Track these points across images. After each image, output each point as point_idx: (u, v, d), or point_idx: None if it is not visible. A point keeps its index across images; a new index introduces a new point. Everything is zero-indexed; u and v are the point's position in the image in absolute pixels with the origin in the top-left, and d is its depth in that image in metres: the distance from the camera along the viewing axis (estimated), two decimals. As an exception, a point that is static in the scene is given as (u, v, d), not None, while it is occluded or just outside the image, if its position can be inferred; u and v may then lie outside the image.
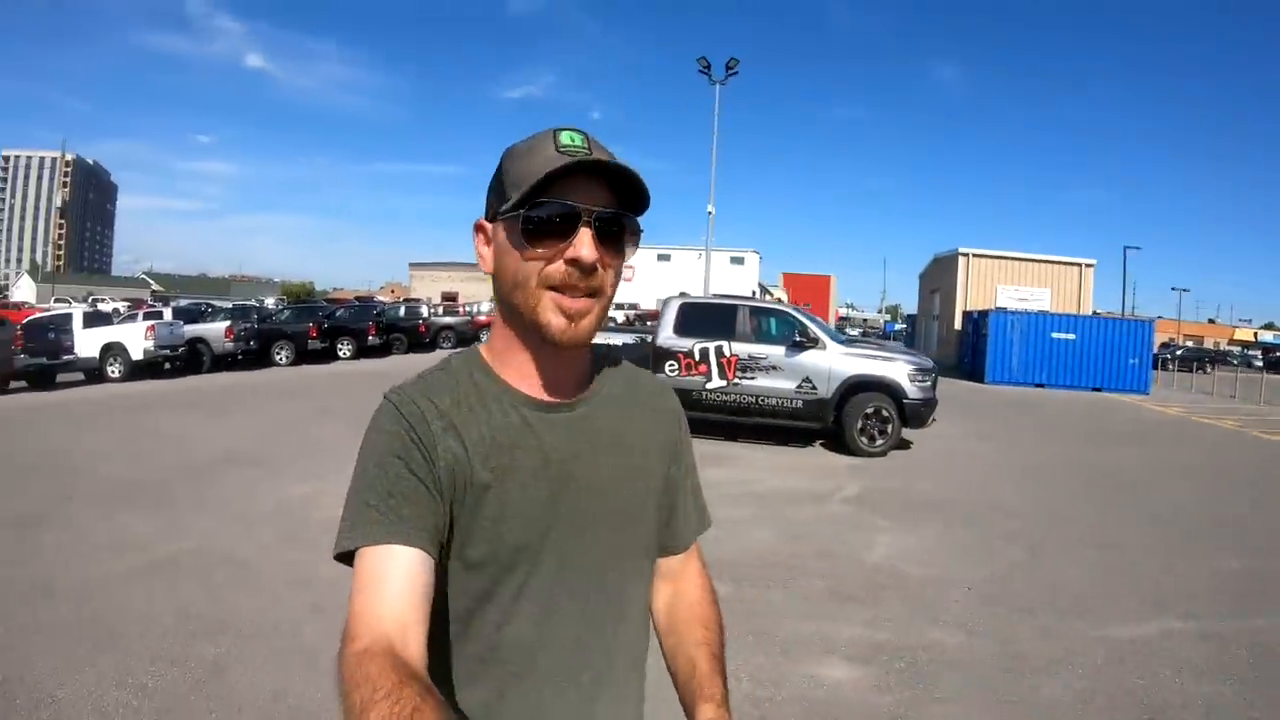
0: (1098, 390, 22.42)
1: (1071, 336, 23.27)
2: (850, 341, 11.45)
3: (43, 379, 16.82)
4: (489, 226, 1.02)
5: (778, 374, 10.20)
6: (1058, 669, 3.99)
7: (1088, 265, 31.18)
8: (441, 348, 27.65)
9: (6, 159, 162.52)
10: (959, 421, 13.64)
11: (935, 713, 3.42)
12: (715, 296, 12.31)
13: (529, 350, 1.02)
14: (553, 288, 0.96)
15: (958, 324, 30.00)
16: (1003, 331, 23.51)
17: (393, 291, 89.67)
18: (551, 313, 0.97)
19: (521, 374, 1.04)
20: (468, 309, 33.73)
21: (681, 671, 1.13)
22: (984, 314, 25.21)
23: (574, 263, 0.95)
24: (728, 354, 10.36)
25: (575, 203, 0.95)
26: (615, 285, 1.01)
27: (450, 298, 61.33)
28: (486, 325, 19.19)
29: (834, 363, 10.02)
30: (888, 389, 9.81)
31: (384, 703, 0.76)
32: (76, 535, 5.56)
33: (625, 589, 1.09)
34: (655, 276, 50.90)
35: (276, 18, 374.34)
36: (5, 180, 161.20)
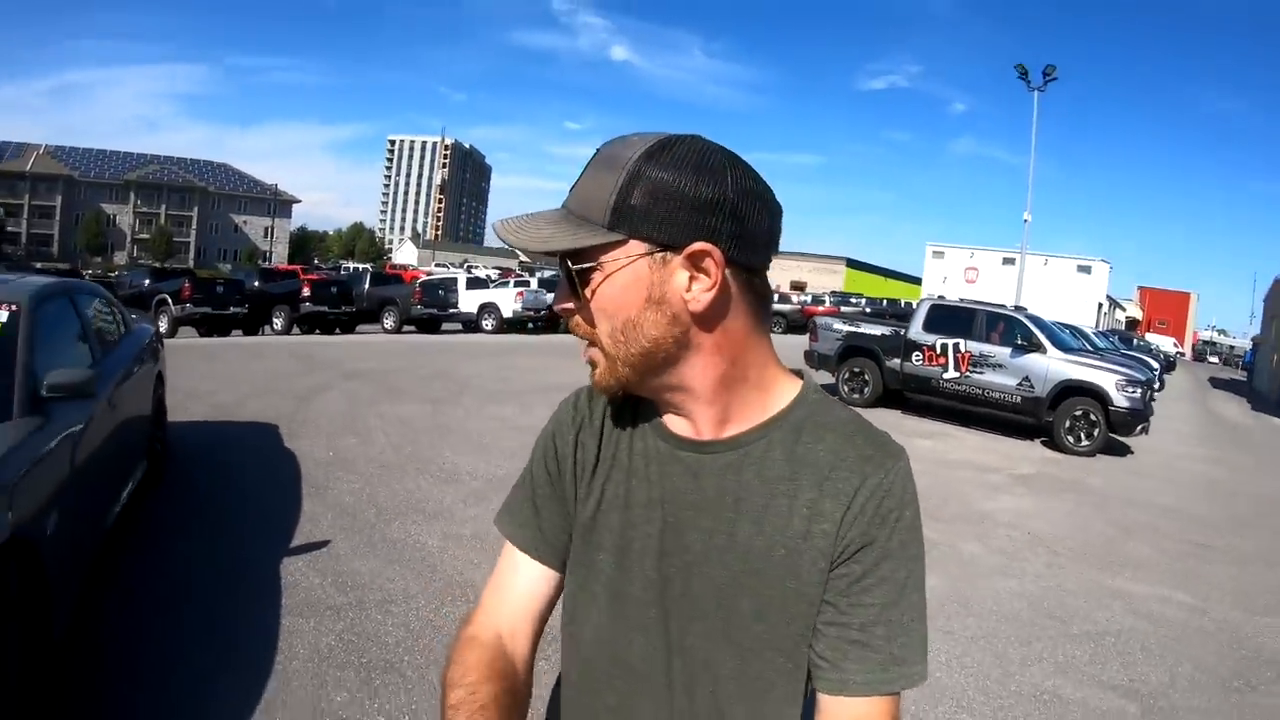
0: None
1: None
2: (1074, 349, 12.47)
3: (430, 325, 22.56)
4: None
5: (1003, 371, 11.66)
6: (1030, 583, 5.27)
7: None
8: (773, 331, 30.95)
9: (394, 142, 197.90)
10: (1205, 446, 13.74)
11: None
12: (961, 300, 13.85)
13: None
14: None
15: (1287, 357, 27.09)
16: (1320, 371, 20.75)
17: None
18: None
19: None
20: (801, 299, 37.22)
21: None
22: (1308, 348, 22.64)
23: None
24: (963, 350, 12.02)
25: (516, 247, 0.88)
26: (606, 329, 0.87)
27: (799, 286, 64.25)
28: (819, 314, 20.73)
29: (1051, 365, 11.26)
30: (1096, 394, 10.88)
31: (462, 689, 0.91)
32: (465, 411, 9.34)
33: (726, 700, 0.92)
34: (999, 279, 50.04)
35: (639, 13, 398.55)
36: (392, 160, 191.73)
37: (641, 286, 0.84)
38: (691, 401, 0.92)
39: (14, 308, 3.63)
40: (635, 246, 0.83)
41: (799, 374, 0.99)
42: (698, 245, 0.82)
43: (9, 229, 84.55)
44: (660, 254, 0.83)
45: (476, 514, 5.55)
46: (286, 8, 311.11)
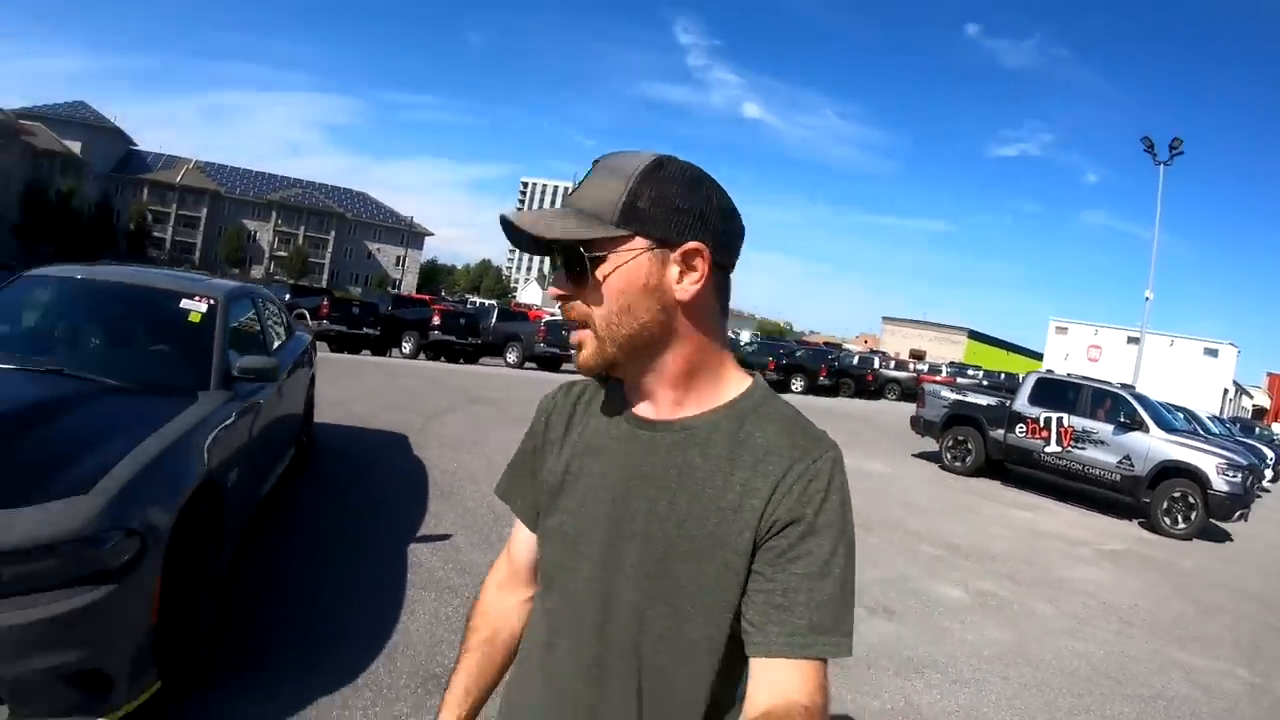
0: None
1: None
2: (1179, 430, 12.26)
3: (551, 363, 23.51)
4: None
5: (1104, 448, 11.57)
6: (1095, 646, 5.39)
7: None
8: (886, 398, 32.55)
9: (526, 184, 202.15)
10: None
11: (976, 619, 5.64)
12: (1068, 375, 13.75)
13: None
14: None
15: None
16: None
17: (865, 342, 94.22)
18: None
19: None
20: (918, 367, 37.21)
21: None
22: None
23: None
24: (1066, 425, 12.00)
25: (531, 237, 1.00)
26: (603, 312, 0.99)
27: (918, 355, 63.45)
28: (935, 383, 20.65)
29: (1152, 445, 11.13)
30: (1195, 476, 10.66)
31: (466, 631, 1.23)
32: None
33: (651, 659, 1.02)
34: (1122, 358, 48.69)
35: (774, 72, 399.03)
36: (524, 201, 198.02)
37: (641, 276, 0.98)
38: (658, 384, 1.05)
39: (213, 301, 4.47)
40: (640, 242, 0.98)
41: (751, 374, 1.11)
42: (692, 244, 0.98)
43: (155, 234, 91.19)
44: (660, 250, 0.98)
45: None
46: (435, 49, 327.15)
